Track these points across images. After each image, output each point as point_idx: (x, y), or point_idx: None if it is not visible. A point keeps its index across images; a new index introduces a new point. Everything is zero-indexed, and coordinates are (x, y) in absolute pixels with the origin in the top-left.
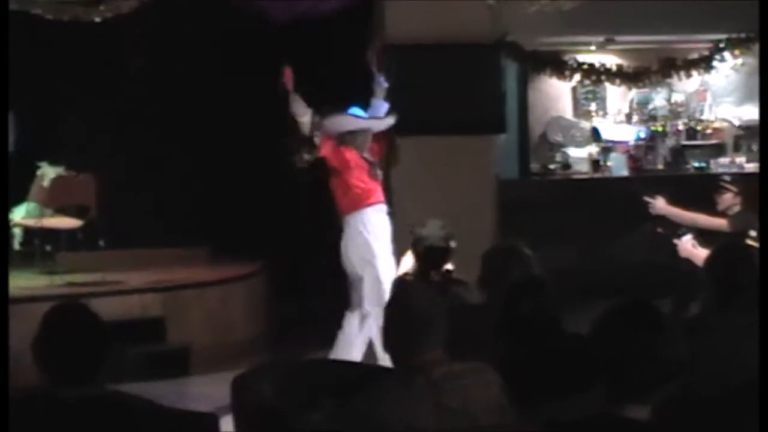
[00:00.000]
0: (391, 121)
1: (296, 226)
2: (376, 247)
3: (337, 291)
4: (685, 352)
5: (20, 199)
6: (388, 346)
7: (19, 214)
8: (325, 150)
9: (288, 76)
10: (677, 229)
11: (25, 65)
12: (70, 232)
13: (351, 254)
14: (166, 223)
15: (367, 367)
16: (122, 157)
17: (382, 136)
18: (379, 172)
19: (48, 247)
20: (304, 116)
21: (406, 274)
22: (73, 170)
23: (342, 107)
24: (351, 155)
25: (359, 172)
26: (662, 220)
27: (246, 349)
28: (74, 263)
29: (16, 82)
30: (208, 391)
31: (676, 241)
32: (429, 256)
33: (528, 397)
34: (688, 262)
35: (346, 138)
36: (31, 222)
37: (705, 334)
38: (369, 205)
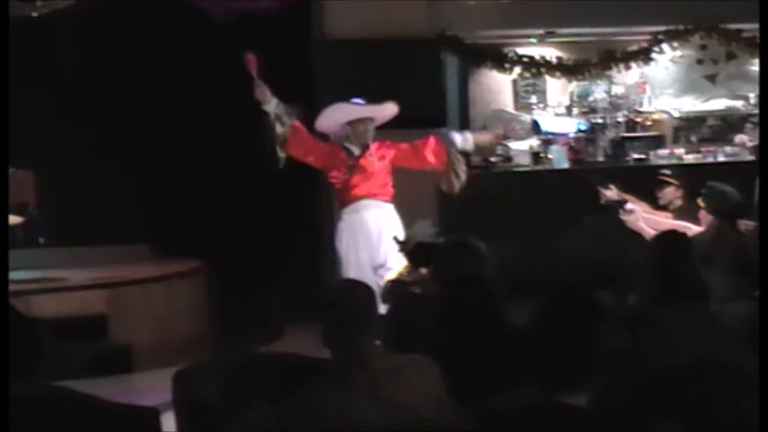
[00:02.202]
0: (394, 108)
1: (240, 224)
2: (344, 255)
3: (280, 290)
4: (624, 341)
5: None
6: (327, 339)
7: None
8: (294, 147)
9: (251, 61)
10: (621, 201)
11: None
12: (9, 230)
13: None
14: (108, 220)
15: (307, 361)
16: (62, 154)
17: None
18: (371, 165)
19: None
20: (270, 104)
21: (399, 275)
22: (11, 167)
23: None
24: (330, 152)
25: (339, 164)
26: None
27: (189, 346)
28: (14, 261)
29: None
30: (151, 388)
31: (624, 217)
32: (420, 255)
33: (468, 390)
34: (629, 253)
35: (346, 131)
36: None
37: (645, 322)
38: (348, 202)
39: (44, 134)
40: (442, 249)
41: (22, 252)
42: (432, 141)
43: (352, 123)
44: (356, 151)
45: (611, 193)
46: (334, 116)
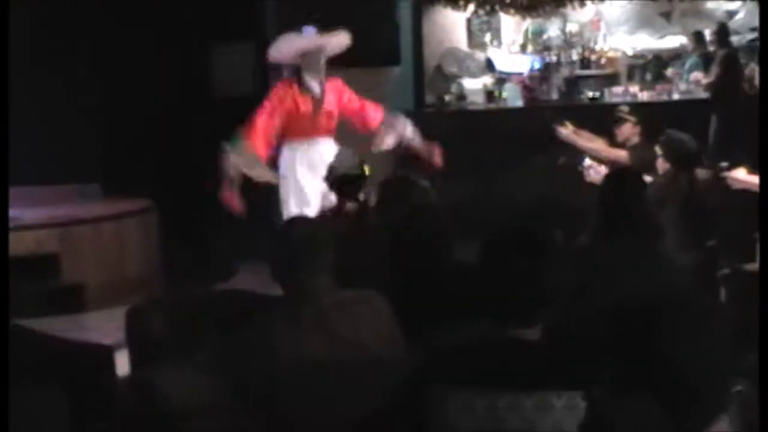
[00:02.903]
0: (345, 39)
1: (191, 162)
2: (287, 187)
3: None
4: (570, 276)
5: None
6: (276, 273)
7: None
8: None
9: (233, 202)
10: (578, 157)
11: None
12: None
13: (279, 193)
14: (60, 159)
15: (257, 297)
16: (15, 94)
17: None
18: (331, 110)
19: None
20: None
21: (323, 209)
22: None
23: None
24: (290, 96)
25: (297, 114)
26: (563, 149)
27: (141, 286)
28: None
29: None
30: (103, 327)
31: (580, 168)
32: (344, 185)
33: (417, 325)
34: (580, 192)
35: (297, 62)
36: None
37: (591, 257)
38: (306, 137)
39: None
40: (386, 184)
41: None
42: (381, 118)
43: (304, 55)
44: (315, 87)
45: (566, 131)
46: (285, 48)
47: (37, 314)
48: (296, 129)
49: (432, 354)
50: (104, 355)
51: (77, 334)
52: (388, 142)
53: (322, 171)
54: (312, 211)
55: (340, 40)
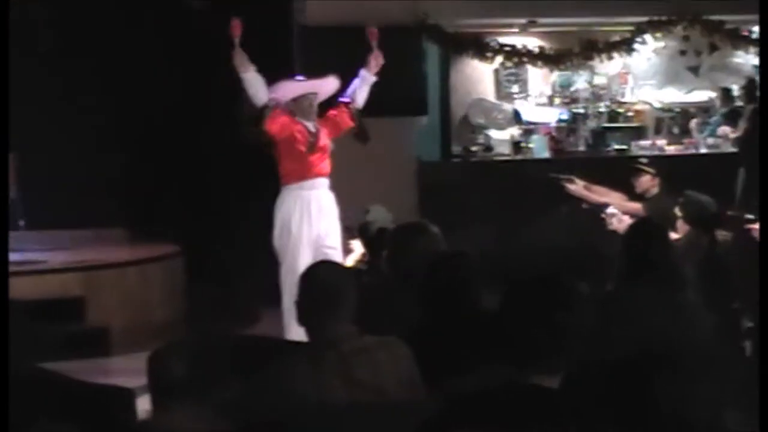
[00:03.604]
0: (335, 82)
1: (217, 208)
2: (295, 229)
3: (255, 276)
4: (592, 324)
5: None
6: (300, 319)
7: None
8: (279, 118)
9: (236, 26)
10: (602, 205)
11: None
12: None
13: (275, 233)
14: (86, 203)
15: (279, 342)
16: (42, 136)
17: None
18: (326, 144)
19: None
20: (248, 71)
21: (357, 262)
22: None
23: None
24: (297, 127)
25: (296, 142)
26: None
27: (164, 330)
28: None
29: None
30: (126, 371)
31: (567, 184)
32: (381, 240)
33: (438, 371)
34: (607, 244)
35: (291, 107)
36: None
37: (614, 306)
38: (304, 178)
39: (26, 117)
40: (398, 232)
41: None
42: (342, 110)
43: (296, 99)
44: (311, 127)
45: (575, 187)
46: (279, 93)
47: (60, 357)
48: (292, 167)
49: (452, 400)
50: (125, 398)
51: (100, 377)
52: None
53: (317, 214)
54: (307, 254)
55: (332, 84)
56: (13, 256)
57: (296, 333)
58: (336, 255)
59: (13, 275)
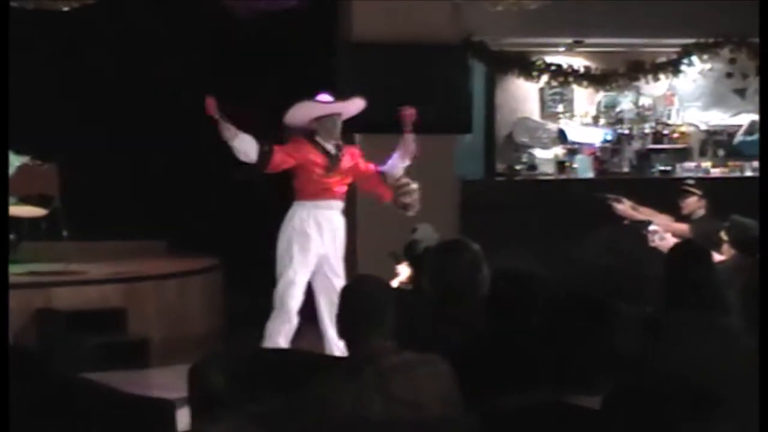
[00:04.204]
0: (361, 103)
1: (256, 221)
2: (300, 244)
3: None
4: (635, 346)
5: None
6: (340, 333)
7: None
8: (278, 159)
9: (210, 105)
10: (644, 222)
11: None
12: (33, 222)
13: (278, 247)
14: (128, 214)
15: (318, 357)
16: (86, 148)
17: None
18: (348, 168)
19: (11, 236)
20: (236, 137)
21: (403, 282)
22: (37, 160)
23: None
24: (306, 150)
25: (312, 166)
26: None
27: (203, 342)
28: (37, 253)
29: None
30: (166, 382)
31: (649, 237)
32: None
33: (478, 389)
34: (650, 264)
35: (313, 126)
36: None
37: (657, 329)
38: (319, 198)
39: (70, 128)
40: (438, 249)
41: (46, 244)
42: (376, 172)
43: (319, 119)
44: (331, 149)
45: (623, 206)
46: (301, 113)
47: (101, 368)
48: (308, 186)
49: (491, 418)
50: (166, 410)
51: (140, 388)
52: (409, 205)
53: (326, 233)
54: (308, 272)
55: (357, 105)
56: (55, 267)
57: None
58: (338, 282)
59: (55, 285)
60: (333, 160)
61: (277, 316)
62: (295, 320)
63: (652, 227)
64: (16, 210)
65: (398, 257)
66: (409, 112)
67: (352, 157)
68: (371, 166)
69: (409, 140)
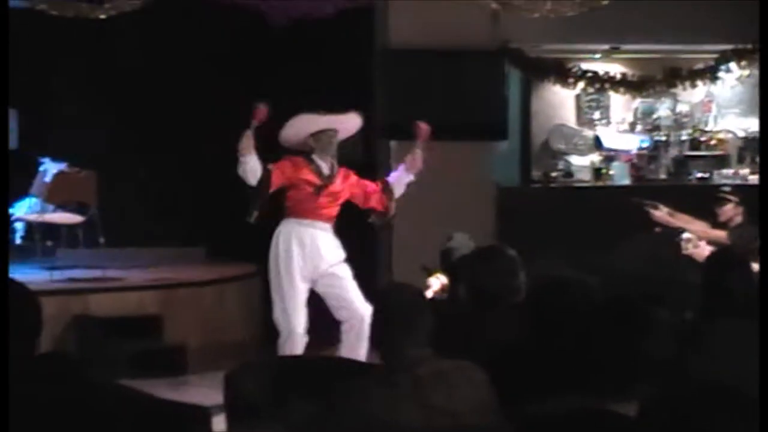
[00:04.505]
0: (357, 120)
1: None
2: (283, 267)
3: None
4: (672, 352)
5: (22, 194)
6: (375, 342)
7: (20, 209)
8: (275, 178)
9: (260, 112)
10: (677, 230)
11: (29, 61)
12: (70, 228)
13: (269, 272)
14: (165, 222)
15: (353, 364)
16: (124, 155)
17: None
18: (340, 192)
19: (49, 243)
20: (250, 155)
21: (437, 292)
22: (75, 167)
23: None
24: (300, 168)
25: (303, 185)
26: (663, 227)
27: (240, 350)
28: (74, 259)
29: (20, 78)
30: (203, 389)
31: (651, 210)
32: (459, 267)
33: (513, 396)
34: (686, 271)
35: (310, 143)
36: (32, 217)
37: (695, 336)
38: (307, 217)
39: (107, 135)
40: (474, 256)
41: (83, 251)
42: (378, 190)
43: (315, 135)
44: (325, 169)
45: (660, 213)
46: (297, 127)
47: (137, 375)
48: (298, 205)
49: (528, 425)
50: (202, 416)
51: (176, 395)
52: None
53: (309, 250)
54: (302, 287)
55: (354, 122)
56: (92, 273)
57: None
58: (343, 283)
59: (92, 292)
60: (324, 180)
61: (285, 342)
62: (303, 341)
63: (685, 235)
64: (54, 217)
65: (430, 270)
66: (424, 128)
67: (344, 179)
68: (370, 185)
69: (418, 154)
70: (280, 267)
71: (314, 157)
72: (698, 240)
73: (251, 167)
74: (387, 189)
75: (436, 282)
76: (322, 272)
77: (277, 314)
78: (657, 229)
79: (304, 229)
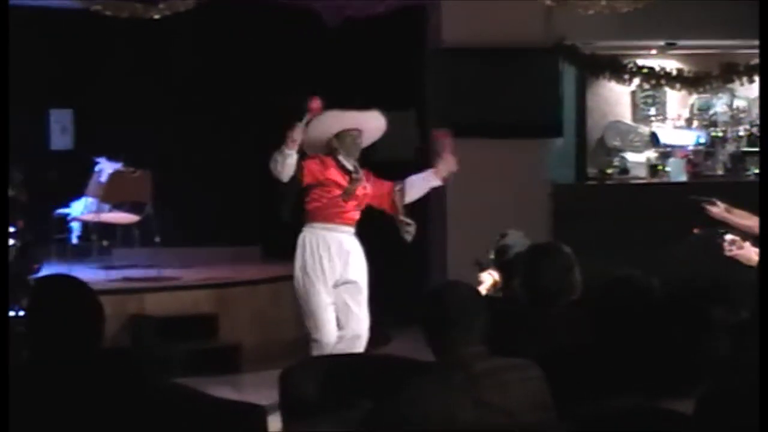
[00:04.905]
0: (379, 119)
1: None
2: (313, 271)
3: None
4: (729, 351)
5: (78, 194)
6: (430, 340)
7: (77, 209)
8: (310, 170)
9: (316, 104)
10: (718, 229)
11: (84, 61)
12: (126, 228)
13: (294, 280)
14: (220, 220)
15: (409, 362)
16: (179, 155)
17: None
18: (365, 194)
19: (105, 243)
20: (293, 150)
21: (489, 289)
22: (131, 167)
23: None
24: (330, 167)
25: (333, 187)
26: (719, 224)
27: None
28: (130, 259)
29: (75, 79)
30: (258, 388)
31: (707, 206)
32: (515, 264)
33: (569, 394)
34: (744, 270)
35: (334, 144)
36: (88, 217)
37: (751, 335)
38: (333, 222)
39: (163, 134)
40: (530, 253)
41: (139, 251)
42: (388, 191)
43: (340, 134)
44: (352, 169)
45: (717, 209)
46: (323, 125)
47: (193, 373)
48: (322, 209)
49: (584, 423)
50: (257, 415)
51: (231, 394)
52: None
53: (336, 256)
54: (331, 293)
55: (377, 122)
56: (148, 273)
57: None
58: (357, 311)
59: (148, 291)
60: (354, 183)
61: (318, 349)
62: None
63: (728, 237)
64: (110, 217)
65: (482, 265)
66: (444, 137)
67: (368, 180)
68: (386, 184)
69: (450, 161)
70: (310, 275)
71: (340, 158)
72: (743, 241)
73: (290, 162)
74: (398, 191)
75: (489, 278)
76: (345, 279)
77: (313, 326)
78: (695, 230)
79: (330, 234)
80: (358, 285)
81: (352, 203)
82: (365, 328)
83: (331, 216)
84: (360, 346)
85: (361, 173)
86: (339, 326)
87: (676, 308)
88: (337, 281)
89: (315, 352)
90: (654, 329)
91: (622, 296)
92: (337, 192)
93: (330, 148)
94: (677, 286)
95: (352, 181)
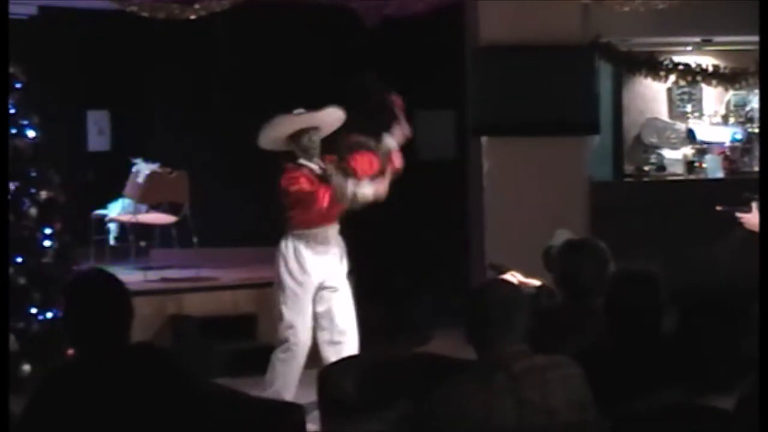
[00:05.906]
0: (337, 113)
1: (387, 228)
2: (288, 281)
3: (426, 294)
4: None
5: (116, 195)
6: (472, 339)
7: (114, 210)
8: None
9: (398, 103)
10: (742, 205)
11: (121, 63)
12: (164, 229)
13: (276, 286)
14: (258, 220)
15: (448, 361)
16: (216, 154)
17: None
18: (340, 182)
19: (142, 243)
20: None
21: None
22: (167, 167)
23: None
24: (310, 176)
25: (311, 198)
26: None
27: None
28: (168, 259)
29: (111, 80)
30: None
31: (738, 214)
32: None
33: (610, 391)
34: None
35: (291, 147)
36: (125, 218)
37: None
38: (306, 227)
39: (200, 135)
40: (567, 250)
41: (177, 251)
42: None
43: (294, 136)
44: (317, 170)
45: (750, 216)
46: (276, 130)
47: (232, 373)
48: (306, 215)
49: (624, 421)
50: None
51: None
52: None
53: (325, 256)
54: (309, 299)
55: (334, 116)
56: (186, 273)
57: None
58: (338, 295)
59: (187, 292)
60: (327, 182)
61: (293, 357)
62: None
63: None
64: (147, 217)
65: (500, 268)
66: (397, 101)
67: (354, 161)
68: (365, 154)
69: (401, 123)
70: (296, 278)
71: (302, 162)
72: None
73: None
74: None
75: (513, 280)
76: (328, 284)
77: (287, 333)
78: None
79: (314, 238)
80: (339, 290)
81: (336, 206)
82: (350, 331)
83: (316, 221)
84: (345, 351)
85: (330, 167)
86: (323, 330)
87: (714, 305)
88: (321, 284)
89: (290, 358)
90: (696, 326)
91: (629, 293)
92: (327, 199)
93: (285, 149)
94: (717, 283)
95: (322, 181)
